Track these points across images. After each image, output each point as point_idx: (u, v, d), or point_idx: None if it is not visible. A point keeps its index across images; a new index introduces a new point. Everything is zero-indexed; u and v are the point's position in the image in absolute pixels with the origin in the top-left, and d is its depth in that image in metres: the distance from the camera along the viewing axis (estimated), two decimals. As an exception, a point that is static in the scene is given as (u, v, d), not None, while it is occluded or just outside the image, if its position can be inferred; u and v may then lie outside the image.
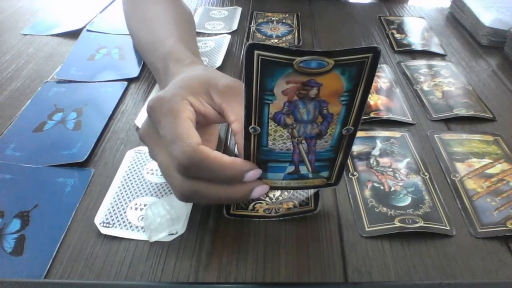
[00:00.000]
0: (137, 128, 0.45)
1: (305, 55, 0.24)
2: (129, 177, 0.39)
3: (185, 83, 0.34)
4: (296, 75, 0.26)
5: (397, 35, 0.67)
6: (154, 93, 0.51)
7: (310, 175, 0.33)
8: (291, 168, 0.33)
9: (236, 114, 0.32)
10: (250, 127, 0.29)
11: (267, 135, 0.29)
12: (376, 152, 0.43)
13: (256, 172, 0.31)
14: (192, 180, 0.30)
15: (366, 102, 0.28)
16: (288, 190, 0.38)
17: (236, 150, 0.43)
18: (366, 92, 0.27)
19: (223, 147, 0.43)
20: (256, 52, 0.24)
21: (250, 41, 0.63)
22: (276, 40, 0.64)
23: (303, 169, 0.33)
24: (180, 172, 0.30)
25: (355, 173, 0.40)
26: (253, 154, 0.31)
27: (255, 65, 0.25)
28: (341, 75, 0.26)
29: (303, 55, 0.24)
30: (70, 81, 0.53)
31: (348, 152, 0.32)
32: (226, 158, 0.30)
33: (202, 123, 0.34)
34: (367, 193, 0.38)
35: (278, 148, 0.31)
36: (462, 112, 0.49)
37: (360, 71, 0.26)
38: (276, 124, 0.29)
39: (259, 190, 0.32)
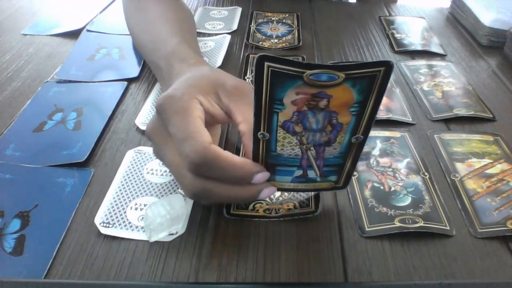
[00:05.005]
0: (137, 128, 0.45)
1: (316, 68, 0.24)
2: (129, 177, 0.39)
3: (194, 82, 0.34)
4: (305, 87, 0.25)
5: (397, 35, 0.67)
6: (155, 93, 0.51)
7: (318, 179, 0.33)
8: (299, 172, 0.32)
9: (243, 115, 0.33)
10: (259, 133, 0.29)
11: (275, 141, 0.29)
12: (376, 152, 0.43)
13: (264, 175, 0.32)
14: (203, 178, 0.30)
15: (377, 112, 0.28)
16: (289, 191, 0.38)
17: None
18: (377, 103, 0.27)
19: (223, 147, 0.43)
20: (266, 63, 0.24)
21: (250, 41, 0.63)
22: (276, 40, 0.64)
23: (311, 173, 0.33)
24: (191, 170, 0.30)
25: (355, 173, 0.40)
26: (262, 158, 0.31)
27: (265, 76, 0.25)
28: (351, 87, 0.26)
29: (313, 69, 0.24)
30: (70, 81, 0.53)
31: (357, 158, 0.32)
32: (236, 158, 0.30)
33: (209, 123, 0.34)
34: (367, 193, 0.38)
35: (286, 153, 0.31)
36: (462, 112, 0.49)
37: (371, 84, 0.26)
38: (285, 132, 0.29)
39: (267, 191, 0.33)
